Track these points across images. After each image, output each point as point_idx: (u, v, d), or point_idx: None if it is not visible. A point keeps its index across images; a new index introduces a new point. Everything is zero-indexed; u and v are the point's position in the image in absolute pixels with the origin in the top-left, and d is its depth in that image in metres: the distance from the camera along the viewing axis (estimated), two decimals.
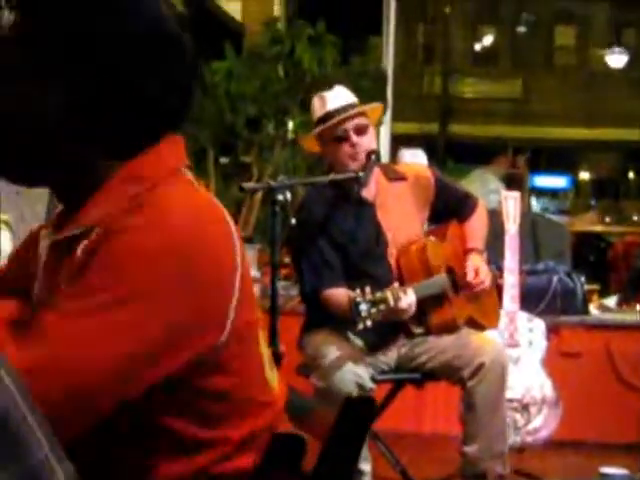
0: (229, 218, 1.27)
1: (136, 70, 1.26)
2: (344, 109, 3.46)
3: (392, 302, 3.11)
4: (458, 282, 3.57)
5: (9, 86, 1.25)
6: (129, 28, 1.25)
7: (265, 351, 1.35)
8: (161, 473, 1.26)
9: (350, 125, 3.45)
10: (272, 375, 1.36)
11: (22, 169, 1.30)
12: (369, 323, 3.06)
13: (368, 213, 3.54)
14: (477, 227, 3.72)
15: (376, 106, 3.68)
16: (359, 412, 1.37)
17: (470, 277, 3.55)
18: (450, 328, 3.50)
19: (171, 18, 1.29)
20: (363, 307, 3.04)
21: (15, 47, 1.24)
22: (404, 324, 3.47)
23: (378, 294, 3.08)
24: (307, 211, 3.55)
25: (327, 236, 3.47)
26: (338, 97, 3.51)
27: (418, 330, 3.52)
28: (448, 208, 3.68)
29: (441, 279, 3.50)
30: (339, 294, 3.32)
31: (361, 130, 3.46)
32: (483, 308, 3.70)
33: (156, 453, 1.26)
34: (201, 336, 1.21)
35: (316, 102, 3.54)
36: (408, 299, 3.20)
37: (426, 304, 3.42)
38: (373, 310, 3.05)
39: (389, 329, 3.46)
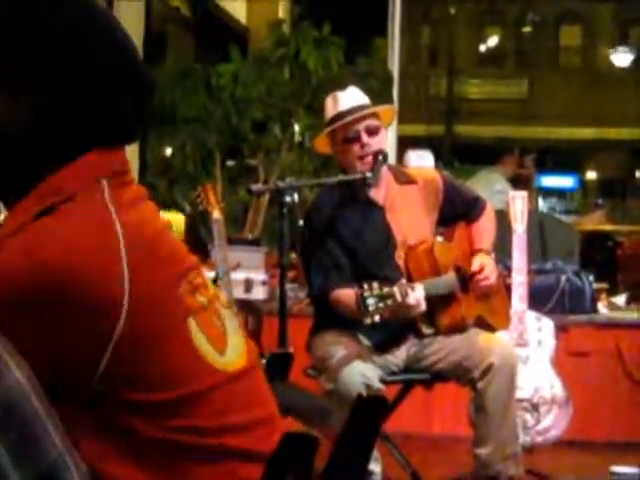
0: (119, 233, 1.22)
1: (104, 81, 1.27)
2: (356, 110, 3.46)
3: (399, 297, 3.11)
4: (467, 282, 3.56)
5: None
6: (96, 50, 1.27)
7: (207, 335, 1.29)
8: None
9: (361, 126, 3.45)
10: (218, 358, 1.30)
11: None
12: (377, 318, 3.05)
13: (377, 215, 3.54)
14: (485, 229, 3.71)
15: (388, 107, 3.68)
16: (370, 411, 1.37)
17: (475, 269, 3.54)
18: (459, 328, 3.49)
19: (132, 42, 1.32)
20: (370, 301, 3.03)
21: None
22: (414, 324, 3.47)
23: (385, 289, 3.08)
24: (316, 212, 3.56)
25: (336, 237, 3.47)
26: (350, 98, 3.52)
27: (428, 330, 3.51)
28: (457, 211, 3.68)
29: (449, 278, 3.49)
30: (347, 294, 3.31)
31: (372, 131, 3.46)
32: (493, 309, 3.69)
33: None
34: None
35: (329, 102, 3.55)
36: (416, 294, 3.20)
37: (435, 304, 3.42)
38: (380, 305, 3.04)
39: (399, 329, 3.46)
